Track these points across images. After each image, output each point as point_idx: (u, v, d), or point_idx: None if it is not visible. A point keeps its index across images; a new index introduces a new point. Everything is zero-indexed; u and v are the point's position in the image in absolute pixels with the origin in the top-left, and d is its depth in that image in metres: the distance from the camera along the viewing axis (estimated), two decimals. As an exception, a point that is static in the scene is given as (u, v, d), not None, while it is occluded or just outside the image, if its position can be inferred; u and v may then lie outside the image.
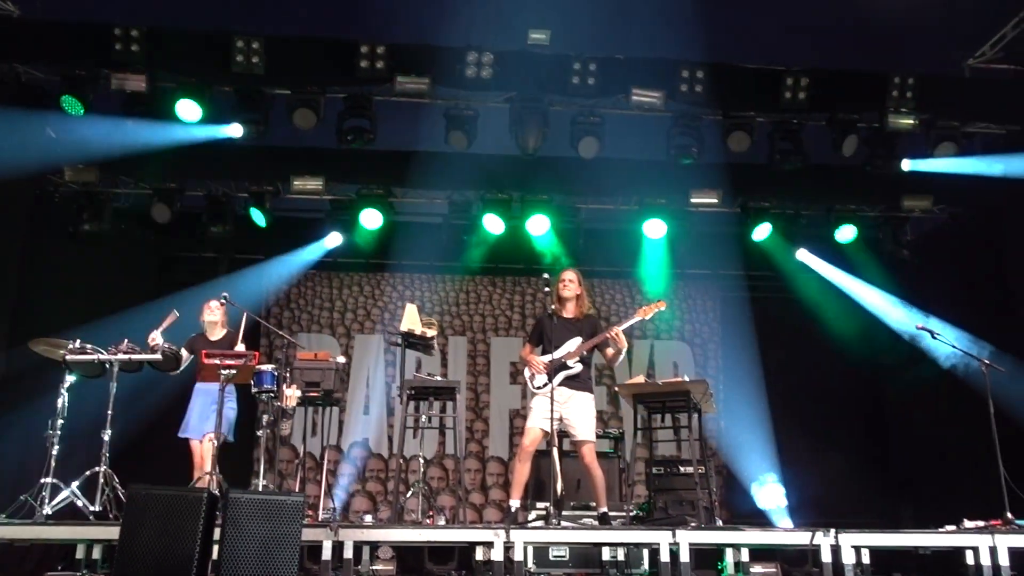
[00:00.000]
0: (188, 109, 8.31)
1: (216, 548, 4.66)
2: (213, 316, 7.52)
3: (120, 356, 6.49)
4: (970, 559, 6.00)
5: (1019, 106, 8.89)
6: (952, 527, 6.53)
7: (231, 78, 8.28)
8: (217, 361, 6.62)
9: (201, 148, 8.64)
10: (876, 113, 8.74)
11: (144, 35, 7.82)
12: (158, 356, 6.74)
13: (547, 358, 6.56)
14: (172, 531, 4.62)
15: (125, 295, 9.12)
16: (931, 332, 7.61)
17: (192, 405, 7.35)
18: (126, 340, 6.62)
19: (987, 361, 7.14)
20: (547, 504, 6.98)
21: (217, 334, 7.54)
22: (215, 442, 6.53)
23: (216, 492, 5.11)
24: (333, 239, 10.25)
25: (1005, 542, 5.92)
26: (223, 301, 7.46)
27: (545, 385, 6.45)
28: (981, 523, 6.41)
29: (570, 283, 6.70)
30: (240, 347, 7.35)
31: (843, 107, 8.83)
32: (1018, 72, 8.86)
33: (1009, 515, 6.44)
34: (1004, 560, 5.87)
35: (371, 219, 9.74)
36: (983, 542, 5.95)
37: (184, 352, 7.31)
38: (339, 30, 8.28)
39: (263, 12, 8.22)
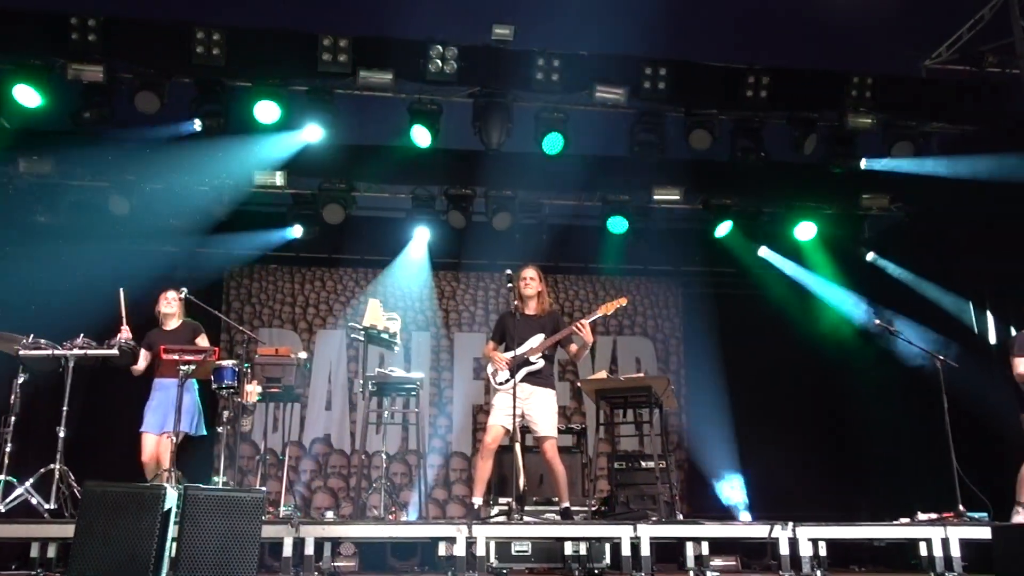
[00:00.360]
0: (146, 101, 8.18)
1: (174, 545, 4.60)
2: (170, 308, 7.37)
3: (76, 352, 6.39)
4: (923, 550, 6.14)
5: (973, 107, 9.05)
6: (906, 520, 6.66)
7: (191, 70, 8.15)
8: (176, 357, 6.52)
9: (160, 141, 8.52)
10: (835, 112, 8.86)
11: (102, 25, 7.67)
12: (115, 352, 6.61)
13: (510, 354, 6.57)
14: (129, 528, 4.52)
15: (81, 289, 8.94)
16: (889, 329, 7.74)
17: (150, 401, 7.23)
18: (81, 335, 6.52)
19: (941, 357, 7.27)
20: (509, 499, 6.99)
21: (172, 324, 7.40)
22: (173, 439, 6.44)
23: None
24: (295, 233, 10.16)
25: (957, 534, 6.06)
26: (181, 294, 7.34)
27: (508, 381, 6.46)
28: (934, 516, 6.55)
29: (531, 281, 6.69)
30: (203, 340, 7.27)
31: (803, 106, 8.94)
32: (972, 73, 9.03)
33: (961, 508, 6.61)
34: (956, 551, 6.01)
35: (333, 214, 9.67)
36: (936, 534, 6.08)
37: (143, 352, 7.19)
38: (302, 22, 8.22)
39: (225, 3, 8.13)
